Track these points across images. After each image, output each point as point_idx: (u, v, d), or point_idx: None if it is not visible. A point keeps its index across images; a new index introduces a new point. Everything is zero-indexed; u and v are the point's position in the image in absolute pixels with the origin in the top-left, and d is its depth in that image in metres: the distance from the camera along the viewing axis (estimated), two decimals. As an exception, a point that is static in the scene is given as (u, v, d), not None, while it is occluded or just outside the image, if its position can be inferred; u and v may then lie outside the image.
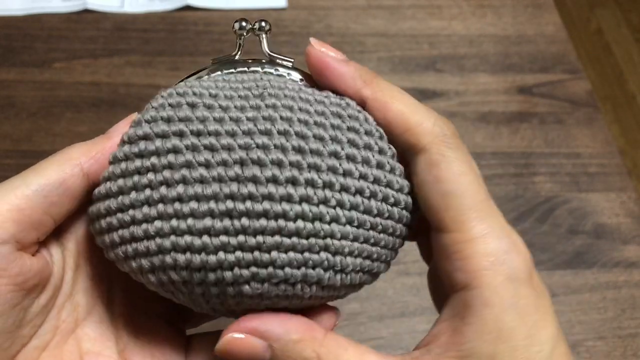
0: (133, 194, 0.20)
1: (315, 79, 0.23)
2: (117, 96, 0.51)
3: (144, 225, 0.20)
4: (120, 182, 0.20)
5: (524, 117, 0.52)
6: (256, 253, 0.19)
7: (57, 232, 0.22)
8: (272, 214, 0.19)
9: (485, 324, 0.19)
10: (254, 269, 0.19)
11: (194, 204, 0.19)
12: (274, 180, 0.19)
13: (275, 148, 0.19)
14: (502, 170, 0.49)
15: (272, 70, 0.23)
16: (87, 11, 0.56)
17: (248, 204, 0.19)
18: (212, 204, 0.19)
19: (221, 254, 0.19)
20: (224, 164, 0.19)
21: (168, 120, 0.20)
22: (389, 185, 0.21)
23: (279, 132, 0.19)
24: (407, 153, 0.21)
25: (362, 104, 0.22)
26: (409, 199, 0.21)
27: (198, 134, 0.20)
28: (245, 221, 0.19)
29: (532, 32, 0.59)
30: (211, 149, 0.19)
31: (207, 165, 0.19)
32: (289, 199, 0.19)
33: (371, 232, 0.21)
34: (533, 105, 0.53)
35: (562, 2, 1.54)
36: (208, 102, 0.20)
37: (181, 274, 0.20)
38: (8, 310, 0.20)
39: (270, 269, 0.19)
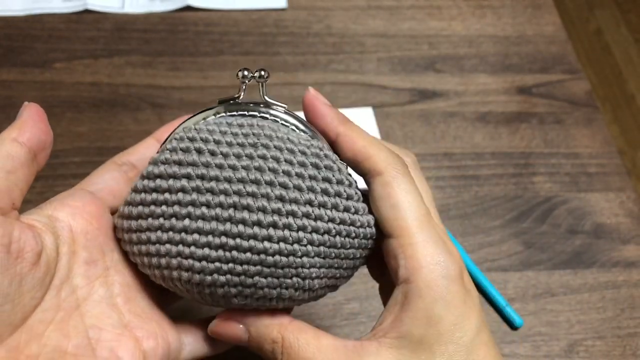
0: (150, 220, 0.25)
1: (305, 115, 0.28)
2: (117, 96, 0.51)
3: (157, 246, 0.25)
4: (140, 208, 0.25)
5: (523, 117, 0.53)
6: (242, 277, 0.24)
7: (50, 222, 0.25)
8: (256, 250, 0.24)
9: (418, 312, 0.24)
10: (240, 287, 0.25)
11: (196, 236, 0.24)
12: (258, 223, 0.24)
13: (262, 196, 0.24)
14: (501, 170, 0.49)
15: (268, 115, 0.27)
16: (87, 11, 0.56)
17: (237, 240, 0.24)
18: (210, 237, 0.24)
19: (215, 275, 0.25)
20: (221, 205, 0.24)
21: (179, 163, 0.25)
22: (352, 224, 0.26)
23: (266, 182, 0.24)
24: (368, 176, 0.27)
25: (335, 138, 0.27)
26: (372, 230, 0.26)
27: (202, 177, 0.25)
28: (234, 253, 0.24)
29: (532, 33, 0.59)
30: (211, 192, 0.24)
31: (207, 205, 0.24)
32: (269, 239, 0.24)
33: (335, 260, 0.26)
34: (532, 105, 0.54)
35: (562, 2, 1.54)
36: (211, 149, 0.25)
37: (184, 285, 0.25)
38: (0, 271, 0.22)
39: (252, 289, 0.25)
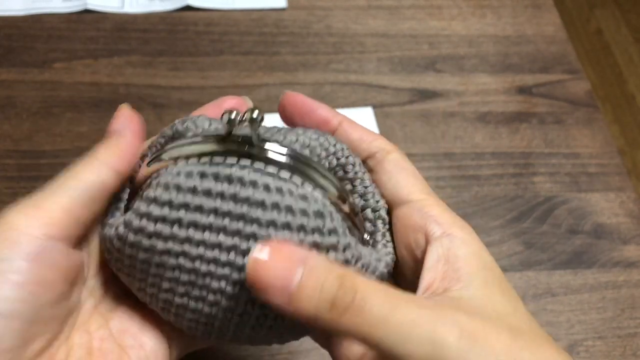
0: (135, 263, 0.24)
1: (290, 115, 0.28)
2: (117, 96, 0.51)
3: (148, 286, 0.25)
4: (127, 251, 0.24)
5: (523, 117, 0.53)
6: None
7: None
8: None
9: (471, 257, 0.24)
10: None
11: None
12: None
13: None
14: (501, 170, 0.49)
15: (261, 167, 0.23)
16: (87, 11, 0.56)
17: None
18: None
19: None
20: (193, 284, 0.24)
21: (154, 235, 0.23)
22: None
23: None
24: (378, 155, 0.27)
25: (339, 124, 0.28)
26: None
27: (184, 254, 0.23)
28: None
29: (532, 33, 0.59)
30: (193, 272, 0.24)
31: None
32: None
33: None
34: (533, 105, 0.53)
35: (562, 2, 1.54)
36: (192, 219, 0.23)
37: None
38: (60, 301, 0.23)
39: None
